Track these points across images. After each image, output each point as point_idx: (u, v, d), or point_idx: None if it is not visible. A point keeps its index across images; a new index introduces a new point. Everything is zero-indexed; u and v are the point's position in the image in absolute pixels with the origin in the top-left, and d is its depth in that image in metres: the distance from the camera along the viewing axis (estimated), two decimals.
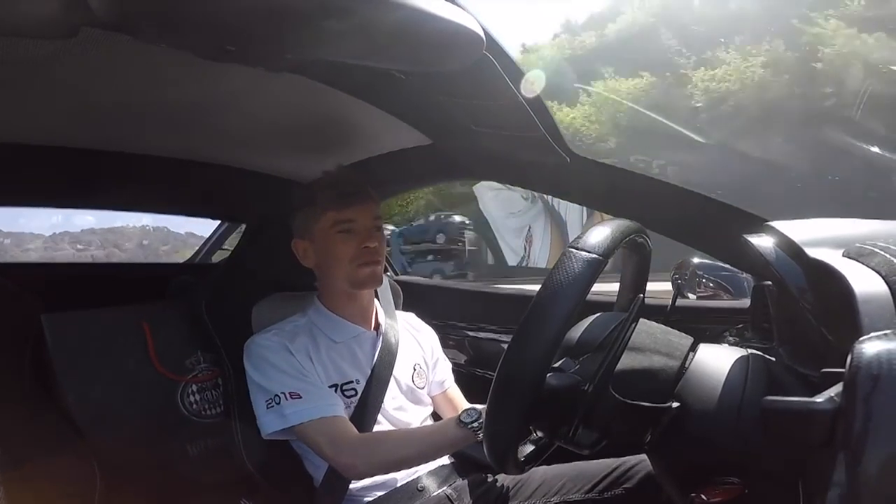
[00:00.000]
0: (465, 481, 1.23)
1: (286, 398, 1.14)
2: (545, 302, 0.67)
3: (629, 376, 0.72)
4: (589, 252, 0.68)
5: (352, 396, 1.22)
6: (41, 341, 1.18)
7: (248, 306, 1.36)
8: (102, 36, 0.78)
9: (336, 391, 1.21)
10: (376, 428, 1.21)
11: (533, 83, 0.87)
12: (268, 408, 1.15)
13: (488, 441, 0.72)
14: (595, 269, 0.68)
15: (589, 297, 0.68)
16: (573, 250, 0.69)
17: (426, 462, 1.20)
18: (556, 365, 0.74)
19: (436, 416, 1.39)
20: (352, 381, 1.23)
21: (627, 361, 0.73)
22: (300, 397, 1.14)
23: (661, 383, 0.72)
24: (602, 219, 0.82)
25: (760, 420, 0.58)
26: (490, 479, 1.25)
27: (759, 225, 0.82)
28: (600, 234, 0.72)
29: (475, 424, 1.07)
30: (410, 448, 1.15)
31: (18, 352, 1.17)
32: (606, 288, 1.15)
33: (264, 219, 1.52)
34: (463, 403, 1.41)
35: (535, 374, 0.66)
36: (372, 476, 1.16)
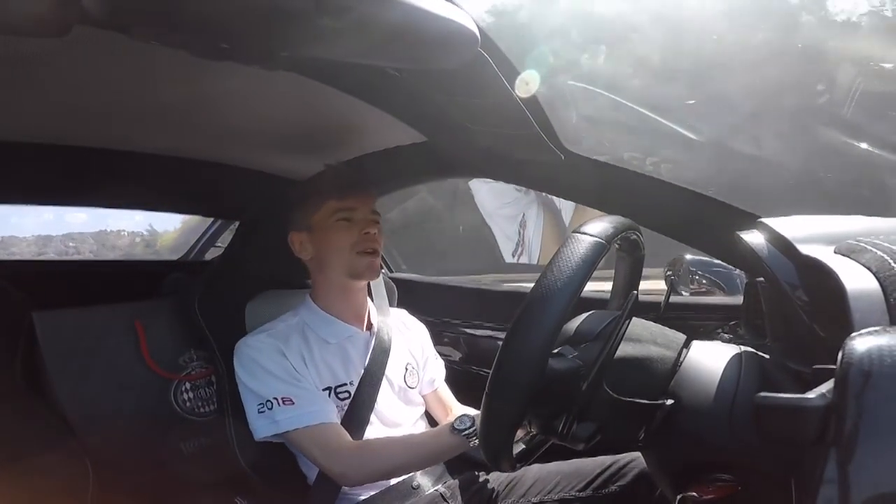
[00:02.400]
0: (459, 479, 1.23)
1: (278, 403, 1.12)
2: (550, 282, 0.67)
3: (625, 370, 0.73)
4: (593, 236, 0.70)
5: (345, 399, 1.21)
6: (32, 339, 1.17)
7: (241, 304, 1.36)
8: (95, 34, 0.78)
9: (329, 394, 1.20)
10: (369, 428, 1.21)
11: (528, 82, 0.87)
12: (259, 412, 1.14)
13: (484, 431, 0.72)
14: (598, 252, 0.69)
15: (583, 295, 0.68)
16: (578, 234, 0.71)
17: (419, 469, 1.21)
18: (556, 351, 0.75)
19: (427, 415, 1.39)
20: (345, 384, 1.22)
21: (625, 351, 0.73)
22: (293, 403, 1.13)
23: (656, 377, 0.73)
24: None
25: (753, 417, 0.59)
26: (484, 478, 1.25)
27: (752, 222, 0.82)
28: (603, 221, 0.74)
29: (469, 432, 1.07)
30: (403, 456, 1.15)
31: (9, 350, 1.17)
32: (600, 286, 1.16)
33: (258, 216, 1.51)
34: (453, 403, 1.41)
35: (537, 353, 0.66)
36: (364, 483, 1.16)
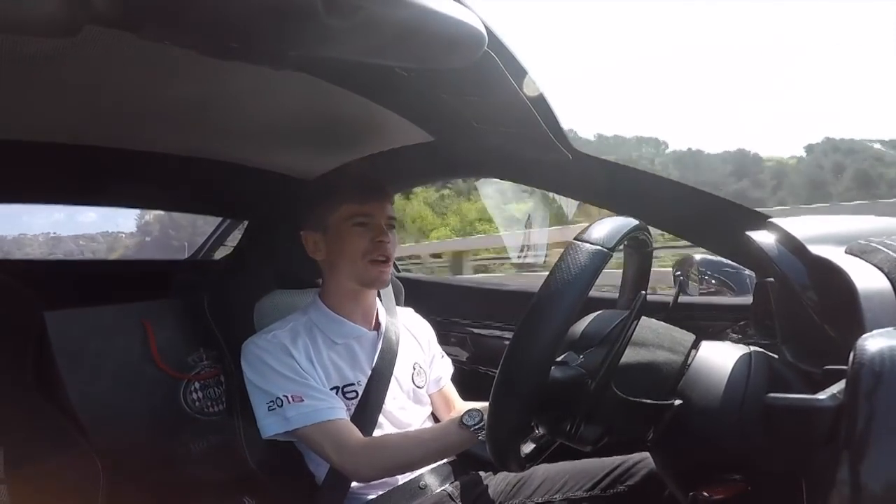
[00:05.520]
0: (467, 479, 1.23)
1: (288, 401, 1.13)
2: (550, 293, 0.66)
3: (632, 371, 0.72)
4: (594, 244, 0.69)
5: (353, 398, 1.21)
6: (43, 339, 1.18)
7: (250, 303, 1.36)
8: (105, 34, 0.78)
9: (337, 393, 1.20)
10: (377, 429, 1.21)
11: (535, 81, 0.87)
12: (269, 410, 1.14)
13: (491, 435, 0.72)
14: (601, 261, 0.68)
15: (591, 294, 0.68)
16: (579, 242, 0.69)
17: (429, 464, 1.20)
18: (560, 358, 0.74)
19: (433, 414, 1.39)
20: (353, 384, 1.22)
21: (631, 356, 0.73)
22: (302, 400, 1.13)
23: (664, 379, 0.72)
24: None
25: (763, 417, 0.58)
26: (492, 477, 1.25)
27: (762, 221, 0.82)
28: (605, 227, 0.72)
29: (477, 426, 1.07)
30: (413, 452, 1.15)
31: (20, 350, 1.17)
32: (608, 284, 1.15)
33: (267, 215, 1.52)
34: (458, 402, 1.41)
35: (540, 364, 0.66)
36: (375, 479, 1.16)
